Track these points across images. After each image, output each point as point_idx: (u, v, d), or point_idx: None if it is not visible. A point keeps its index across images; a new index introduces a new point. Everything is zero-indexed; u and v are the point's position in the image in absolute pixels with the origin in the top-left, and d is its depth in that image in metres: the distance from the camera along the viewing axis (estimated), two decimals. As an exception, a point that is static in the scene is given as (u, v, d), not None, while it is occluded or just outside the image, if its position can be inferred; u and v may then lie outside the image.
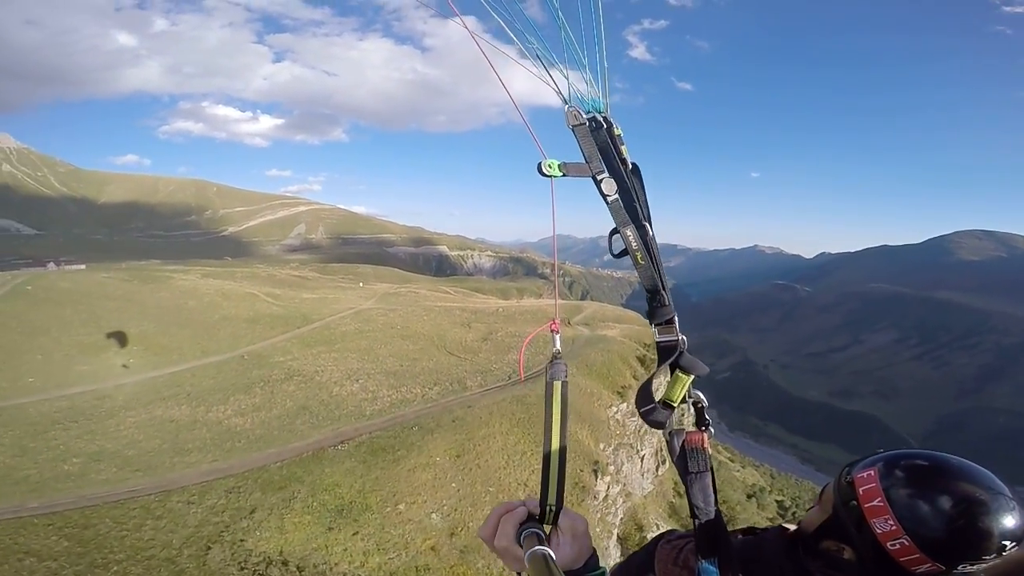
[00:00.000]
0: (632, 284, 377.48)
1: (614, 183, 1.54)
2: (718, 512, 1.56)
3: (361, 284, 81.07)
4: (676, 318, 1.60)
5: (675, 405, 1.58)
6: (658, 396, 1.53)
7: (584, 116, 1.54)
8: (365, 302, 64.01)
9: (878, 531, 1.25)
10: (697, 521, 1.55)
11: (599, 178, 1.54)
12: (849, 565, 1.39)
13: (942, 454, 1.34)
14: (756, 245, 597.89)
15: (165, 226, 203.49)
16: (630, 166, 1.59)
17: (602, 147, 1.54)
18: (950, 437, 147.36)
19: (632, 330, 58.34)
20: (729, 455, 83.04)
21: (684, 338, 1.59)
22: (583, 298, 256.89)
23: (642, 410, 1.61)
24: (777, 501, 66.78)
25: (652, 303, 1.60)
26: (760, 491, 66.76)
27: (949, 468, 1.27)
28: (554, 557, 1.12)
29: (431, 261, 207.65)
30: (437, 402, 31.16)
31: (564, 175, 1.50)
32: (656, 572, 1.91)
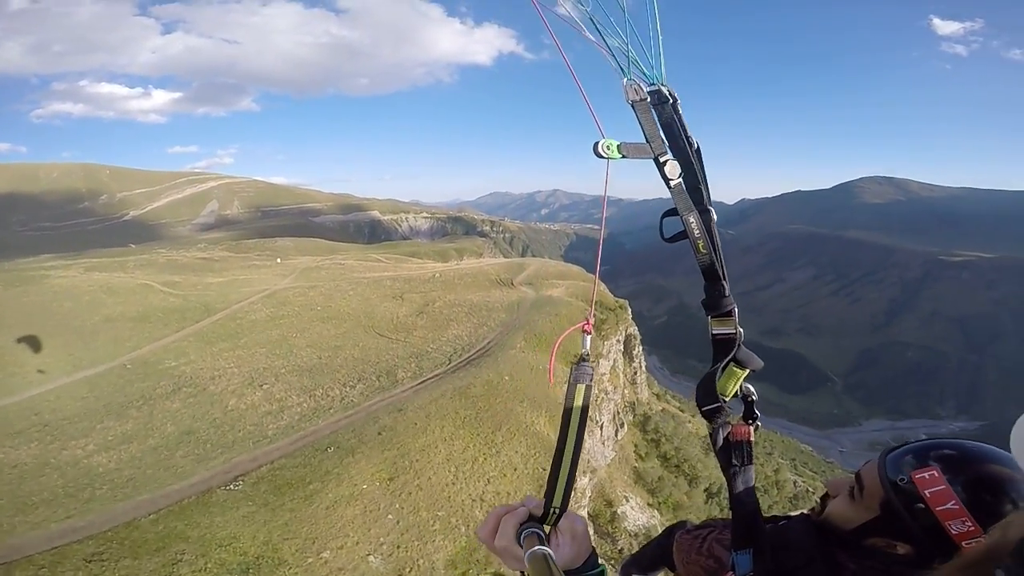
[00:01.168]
0: (569, 236, 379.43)
1: (678, 165, 1.44)
2: (756, 505, 1.55)
3: (279, 260, 72.44)
4: (736, 309, 1.54)
5: (727, 399, 1.56)
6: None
7: (646, 90, 1.39)
8: (282, 280, 56.49)
9: (955, 532, 1.22)
10: (737, 514, 1.56)
11: (662, 160, 1.42)
12: (904, 559, 1.35)
13: (973, 442, 1.34)
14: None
15: (53, 216, 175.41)
16: (695, 146, 1.47)
17: (665, 124, 1.42)
18: (869, 373, 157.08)
19: (577, 287, 54.72)
20: (679, 404, 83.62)
21: (742, 331, 1.55)
22: (524, 253, 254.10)
23: (706, 409, 1.59)
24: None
25: (711, 292, 1.54)
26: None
27: (1000, 458, 1.27)
28: (554, 557, 1.10)
29: (363, 228, 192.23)
30: (360, 407, 25.95)
31: (624, 156, 1.36)
32: (676, 563, 1.92)
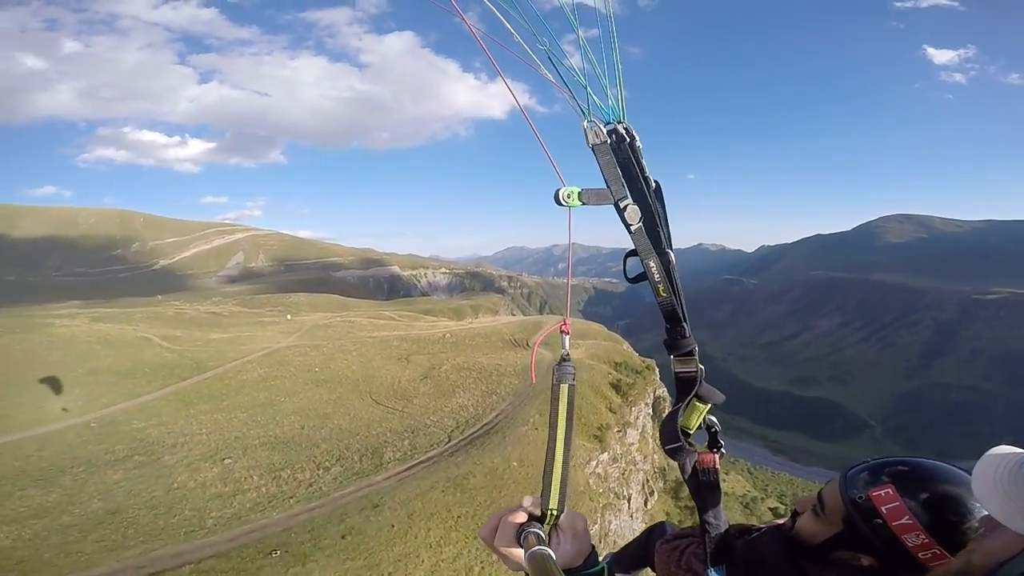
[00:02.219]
0: (588, 291, 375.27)
1: (638, 211, 1.38)
2: (726, 526, 1.67)
3: (289, 317, 69.26)
4: (696, 349, 1.57)
5: (691, 432, 1.62)
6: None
7: (605, 133, 1.32)
8: (285, 339, 52.76)
9: (910, 544, 1.30)
10: (708, 536, 1.64)
11: (622, 205, 1.37)
12: (868, 570, 1.41)
13: (927, 460, 1.41)
14: (700, 243, 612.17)
15: (87, 262, 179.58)
16: (653, 185, 1.43)
17: (623, 165, 1.35)
18: (910, 417, 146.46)
19: (599, 348, 49.64)
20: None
21: (703, 368, 1.59)
22: (542, 308, 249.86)
23: (669, 447, 1.64)
24: (771, 509, 61.04)
25: (672, 334, 1.56)
26: (753, 500, 60.46)
27: (949, 476, 1.34)
28: (554, 557, 1.10)
29: (382, 283, 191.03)
30: (328, 497, 21.19)
31: (584, 204, 1.34)
32: (656, 570, 1.97)
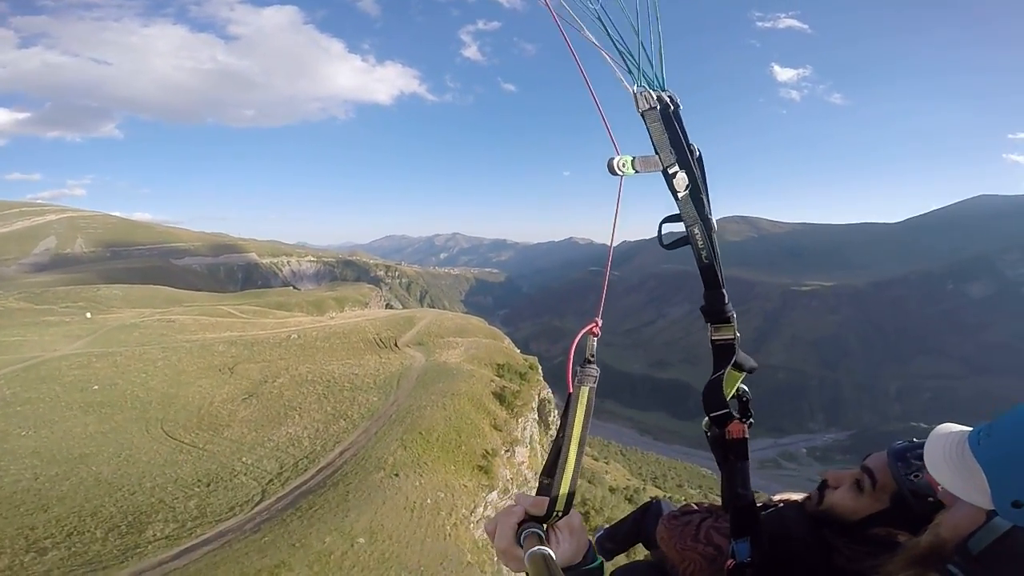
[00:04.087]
0: (469, 280, 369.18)
1: (686, 177, 1.37)
2: (752, 497, 1.59)
3: (88, 315, 51.98)
4: (734, 316, 1.52)
5: (727, 402, 1.57)
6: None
7: (655, 99, 1.31)
8: (68, 345, 37.71)
9: None
10: (735, 506, 1.57)
11: (671, 172, 1.35)
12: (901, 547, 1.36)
13: None
14: (571, 237, 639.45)
15: None
16: (697, 153, 1.41)
17: (669, 133, 1.34)
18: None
19: (480, 348, 42.09)
20: (592, 452, 72.98)
21: (739, 335, 1.54)
22: (422, 299, 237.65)
23: (715, 415, 1.58)
24: (652, 498, 59.07)
25: (711, 300, 1.52)
26: (636, 492, 58.22)
27: None
28: (554, 557, 1.07)
29: (235, 272, 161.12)
30: None
31: (637, 172, 1.30)
32: (664, 545, 1.90)
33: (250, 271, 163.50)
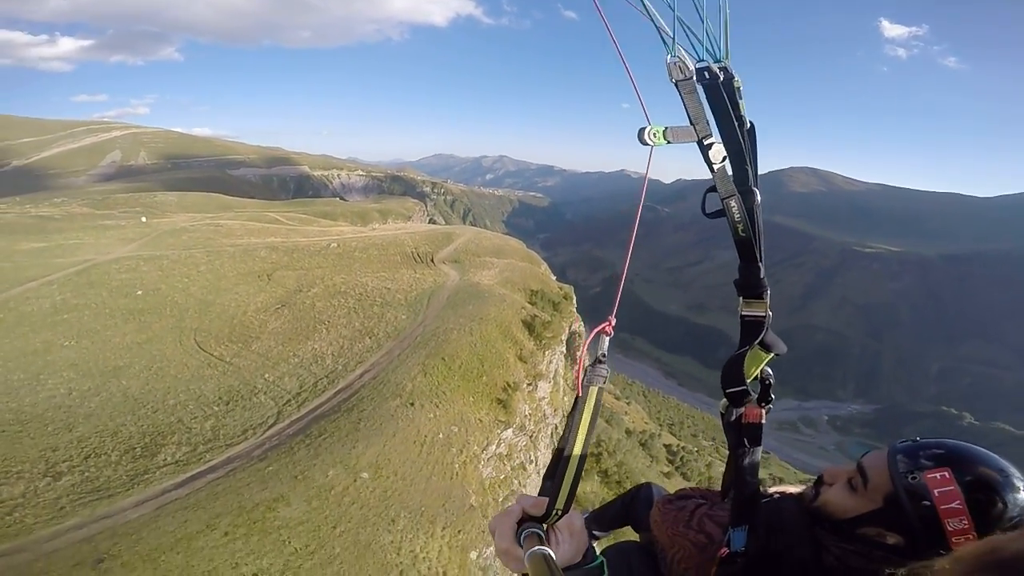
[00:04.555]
0: (513, 202, 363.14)
1: (722, 149, 1.35)
2: (758, 486, 1.58)
3: (144, 219, 53.06)
4: (768, 292, 1.50)
5: (748, 382, 1.54)
6: None
7: (691, 69, 1.27)
8: (121, 248, 38.44)
9: (950, 528, 1.24)
10: (740, 494, 1.55)
11: (706, 143, 1.33)
12: (892, 549, 1.35)
13: (971, 444, 1.35)
14: (624, 170, 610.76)
15: None
16: (748, 125, 1.39)
17: (714, 104, 1.32)
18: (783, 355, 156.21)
19: (515, 271, 40.31)
20: (615, 391, 72.98)
21: (771, 314, 1.50)
22: (465, 216, 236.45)
23: (732, 391, 1.56)
24: (665, 446, 59.28)
25: (746, 274, 1.50)
26: (651, 438, 57.91)
27: (997, 463, 1.29)
28: (554, 556, 1.06)
29: (288, 183, 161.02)
30: (19, 540, 11.32)
31: (669, 142, 1.27)
32: (656, 530, 1.86)
33: (301, 182, 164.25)
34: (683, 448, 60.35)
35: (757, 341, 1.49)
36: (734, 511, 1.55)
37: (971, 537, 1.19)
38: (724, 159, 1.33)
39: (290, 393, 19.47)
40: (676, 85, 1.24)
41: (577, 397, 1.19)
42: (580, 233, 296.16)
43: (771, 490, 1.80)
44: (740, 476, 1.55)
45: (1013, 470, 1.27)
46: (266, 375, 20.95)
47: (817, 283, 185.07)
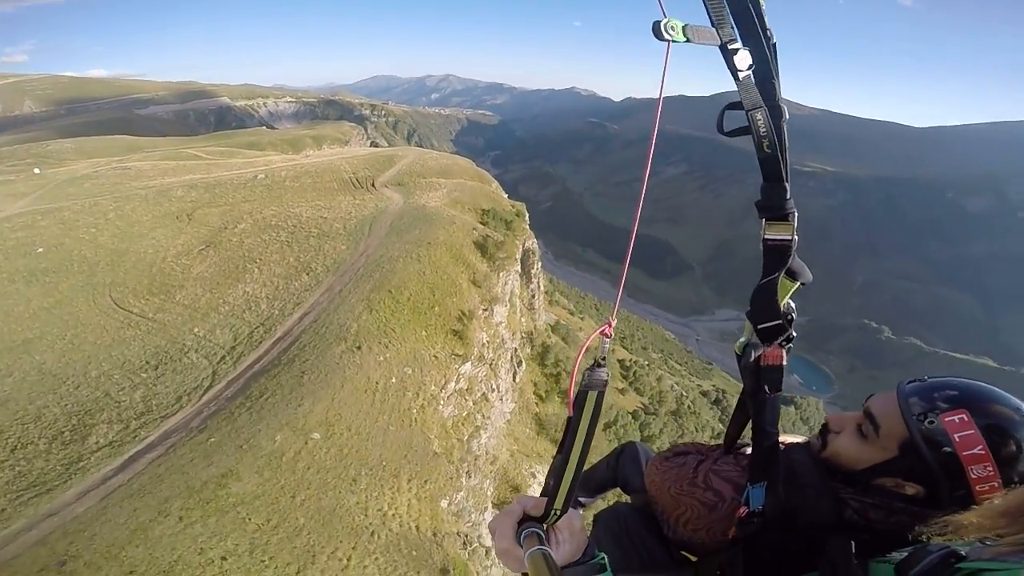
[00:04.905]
0: (461, 120, 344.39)
1: (749, 56, 1.23)
2: (777, 437, 1.44)
3: (37, 171, 45.70)
4: (795, 214, 1.36)
5: (783, 315, 1.42)
6: None
7: None
8: (12, 204, 33.07)
9: (974, 476, 1.14)
10: (759, 446, 1.43)
11: (731, 47, 1.21)
12: (912, 499, 1.24)
13: (984, 384, 1.23)
14: (574, 87, 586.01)
15: None
16: (772, 39, 1.27)
17: (739, 11, 1.20)
18: (724, 264, 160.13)
19: (464, 190, 37.90)
20: (569, 306, 73.80)
21: (797, 238, 1.37)
22: (409, 138, 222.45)
23: (763, 326, 1.41)
24: (619, 360, 61.13)
25: (769, 193, 1.35)
26: (604, 356, 59.25)
27: (1012, 402, 1.19)
28: (554, 556, 1.05)
29: (207, 116, 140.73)
30: None
31: (688, 40, 1.14)
32: (652, 492, 1.74)
33: (223, 115, 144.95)
34: (635, 363, 62.51)
35: (785, 268, 1.36)
36: (753, 466, 1.42)
37: (996, 484, 1.08)
38: (751, 67, 1.20)
39: (224, 348, 17.46)
40: None
41: (574, 402, 1.10)
42: (530, 150, 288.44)
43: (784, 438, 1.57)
44: (760, 426, 1.40)
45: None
46: (196, 329, 18.69)
47: (756, 195, 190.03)
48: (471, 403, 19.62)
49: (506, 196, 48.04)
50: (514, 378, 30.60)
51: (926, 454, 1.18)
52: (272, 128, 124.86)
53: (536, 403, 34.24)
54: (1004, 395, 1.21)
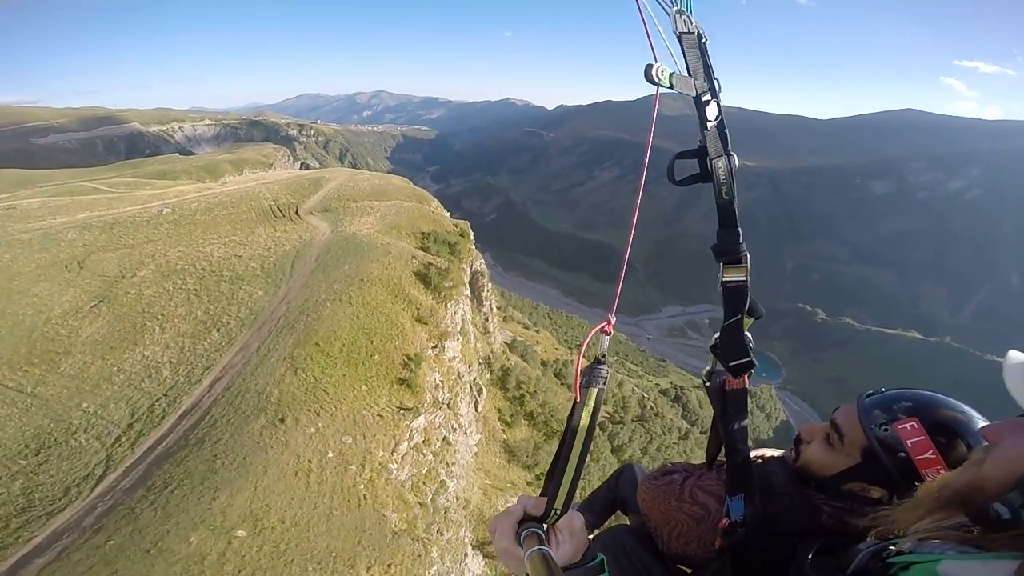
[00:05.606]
0: (396, 137, 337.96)
1: (716, 106, 1.33)
2: (749, 453, 1.54)
3: None
4: (748, 257, 1.43)
5: (752, 353, 1.49)
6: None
7: (695, 23, 1.27)
8: None
9: (928, 478, 1.23)
10: (732, 462, 1.52)
11: (704, 99, 1.31)
12: (878, 502, 1.36)
13: (931, 392, 1.37)
14: (508, 98, 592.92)
15: None
16: (719, 87, 1.35)
17: (705, 61, 1.30)
18: (664, 261, 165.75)
19: (401, 211, 35.76)
20: (523, 320, 72.62)
21: (749, 278, 1.46)
22: (342, 158, 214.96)
23: (735, 364, 1.48)
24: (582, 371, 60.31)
25: (726, 239, 1.43)
26: (564, 366, 58.55)
27: (957, 407, 1.32)
28: (554, 556, 1.05)
29: (117, 144, 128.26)
30: None
31: (671, 88, 1.26)
32: (646, 508, 1.83)
33: (134, 141, 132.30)
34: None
35: (747, 308, 1.45)
36: (729, 480, 1.52)
37: (955, 475, 1.14)
38: (718, 118, 1.30)
39: (119, 426, 14.61)
40: (679, 38, 1.22)
41: (576, 401, 1.15)
42: (471, 162, 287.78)
43: (751, 455, 1.65)
44: (731, 444, 1.51)
45: (970, 410, 1.28)
46: (84, 404, 15.62)
47: (687, 195, 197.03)
48: (430, 456, 17.64)
49: (448, 215, 46.19)
50: (476, 407, 28.79)
51: (884, 459, 1.30)
52: (189, 154, 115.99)
53: (503, 429, 32.59)
54: (951, 401, 1.31)
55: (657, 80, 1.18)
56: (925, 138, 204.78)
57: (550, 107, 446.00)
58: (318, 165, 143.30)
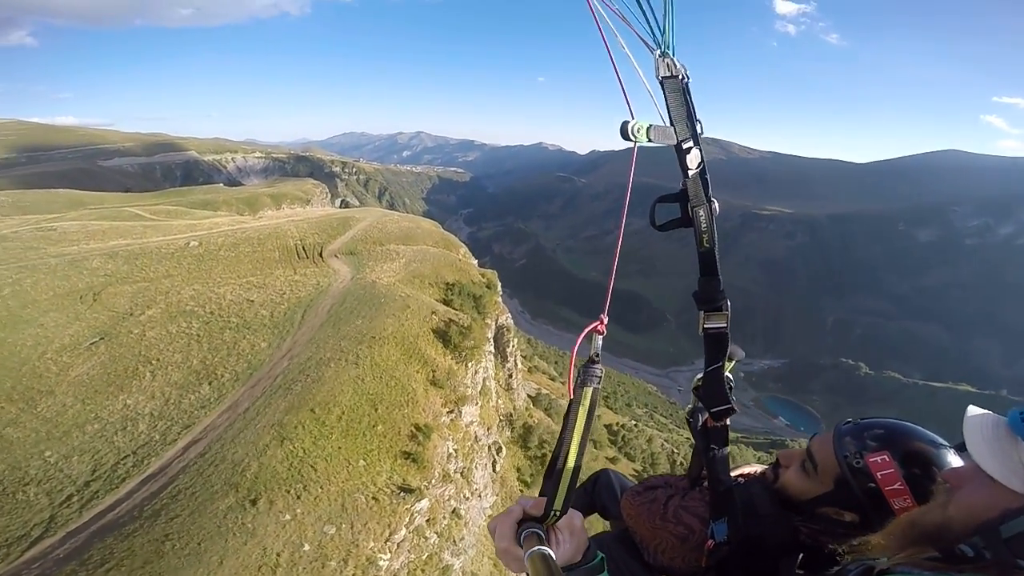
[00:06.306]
0: (432, 178, 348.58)
1: (699, 154, 1.31)
2: (731, 482, 1.64)
3: None
4: (728, 303, 1.48)
5: (732, 400, 1.59)
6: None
7: (679, 67, 1.23)
8: None
9: (896, 507, 1.30)
10: (715, 490, 1.63)
11: (685, 147, 1.29)
12: (850, 525, 1.42)
13: (905, 423, 1.40)
14: (541, 142, 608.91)
15: None
16: (700, 130, 1.33)
17: (687, 106, 1.27)
18: (696, 313, 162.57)
19: (426, 258, 34.49)
20: (549, 372, 69.65)
21: (728, 325, 1.51)
22: (381, 196, 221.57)
23: (717, 410, 1.58)
24: (605, 426, 57.09)
25: (707, 287, 1.49)
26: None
27: (928, 437, 1.35)
28: (554, 556, 1.06)
29: (174, 170, 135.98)
30: None
31: (650, 141, 1.24)
32: (630, 524, 1.90)
33: (190, 169, 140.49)
34: (622, 427, 58.52)
35: (727, 355, 1.49)
36: (712, 506, 1.62)
37: (922, 513, 1.20)
38: (699, 165, 1.28)
39: (75, 483, 12.93)
40: (661, 82, 1.20)
41: (571, 400, 1.16)
42: (503, 206, 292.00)
43: (734, 473, 1.76)
44: (713, 474, 1.63)
45: (942, 442, 1.32)
46: (48, 453, 14.10)
47: (722, 244, 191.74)
48: (434, 538, 15.23)
49: (475, 262, 44.94)
50: (494, 467, 26.19)
51: (855, 488, 1.35)
52: (238, 184, 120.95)
53: (521, 490, 29.68)
54: (923, 432, 1.35)
55: (634, 137, 1.17)
56: (970, 180, 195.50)
57: (582, 152, 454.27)
58: (357, 203, 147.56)
